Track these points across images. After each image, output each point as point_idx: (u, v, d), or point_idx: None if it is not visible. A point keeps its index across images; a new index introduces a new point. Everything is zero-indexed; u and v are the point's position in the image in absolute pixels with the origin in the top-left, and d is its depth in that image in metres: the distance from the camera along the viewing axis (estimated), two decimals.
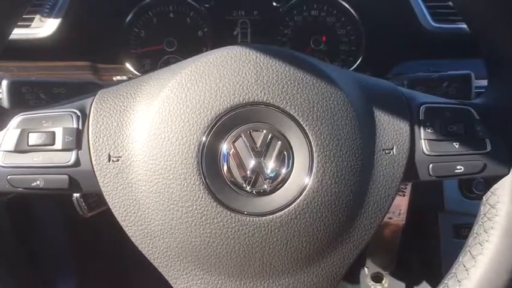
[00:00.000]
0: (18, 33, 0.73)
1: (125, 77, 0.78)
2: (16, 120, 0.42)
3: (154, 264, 0.41)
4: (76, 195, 0.57)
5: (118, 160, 0.40)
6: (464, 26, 0.80)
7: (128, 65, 0.83)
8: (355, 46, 0.86)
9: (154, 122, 0.40)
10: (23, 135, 0.41)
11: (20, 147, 0.41)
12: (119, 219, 0.41)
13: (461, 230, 0.80)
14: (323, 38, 0.86)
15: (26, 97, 0.55)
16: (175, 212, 0.39)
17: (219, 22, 0.85)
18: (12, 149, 0.41)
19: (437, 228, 0.82)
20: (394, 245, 0.90)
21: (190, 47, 0.84)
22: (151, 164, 0.40)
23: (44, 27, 0.74)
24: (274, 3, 0.86)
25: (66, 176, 0.41)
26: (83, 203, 0.58)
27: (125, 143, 0.41)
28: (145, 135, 0.40)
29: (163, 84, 0.41)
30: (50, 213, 0.81)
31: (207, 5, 0.85)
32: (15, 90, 0.55)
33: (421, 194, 0.75)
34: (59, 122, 0.41)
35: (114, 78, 0.77)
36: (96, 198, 0.58)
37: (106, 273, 0.95)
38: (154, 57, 0.84)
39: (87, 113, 0.42)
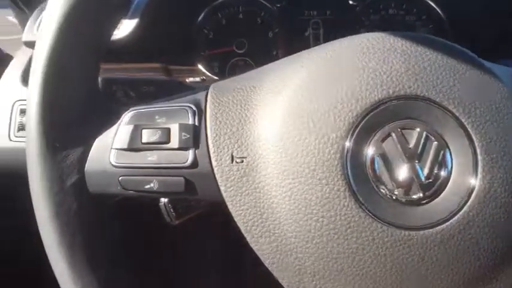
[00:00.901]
0: None
1: (197, 79, 0.75)
2: (128, 115, 0.38)
3: (282, 283, 0.36)
4: (164, 200, 0.54)
5: (242, 161, 0.36)
6: None
7: (200, 67, 0.80)
8: None
9: (285, 118, 0.35)
10: (136, 132, 0.37)
11: (134, 145, 0.37)
12: (243, 229, 0.36)
13: None
14: None
15: (117, 95, 0.52)
16: (313, 223, 0.34)
17: (290, 22, 0.81)
18: (125, 146, 0.37)
19: None
20: None
21: (260, 48, 0.81)
22: (284, 166, 0.34)
23: (119, 29, 0.72)
24: (351, 2, 0.81)
25: (182, 178, 0.37)
26: (171, 210, 0.54)
27: (249, 142, 0.36)
28: (274, 133, 0.35)
29: (290, 75, 0.37)
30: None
31: (278, 5, 0.81)
32: (106, 87, 0.52)
33: None
34: (174, 118, 0.37)
35: (188, 80, 0.74)
36: (185, 205, 0.55)
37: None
38: (224, 59, 0.81)
39: (203, 108, 0.38)
